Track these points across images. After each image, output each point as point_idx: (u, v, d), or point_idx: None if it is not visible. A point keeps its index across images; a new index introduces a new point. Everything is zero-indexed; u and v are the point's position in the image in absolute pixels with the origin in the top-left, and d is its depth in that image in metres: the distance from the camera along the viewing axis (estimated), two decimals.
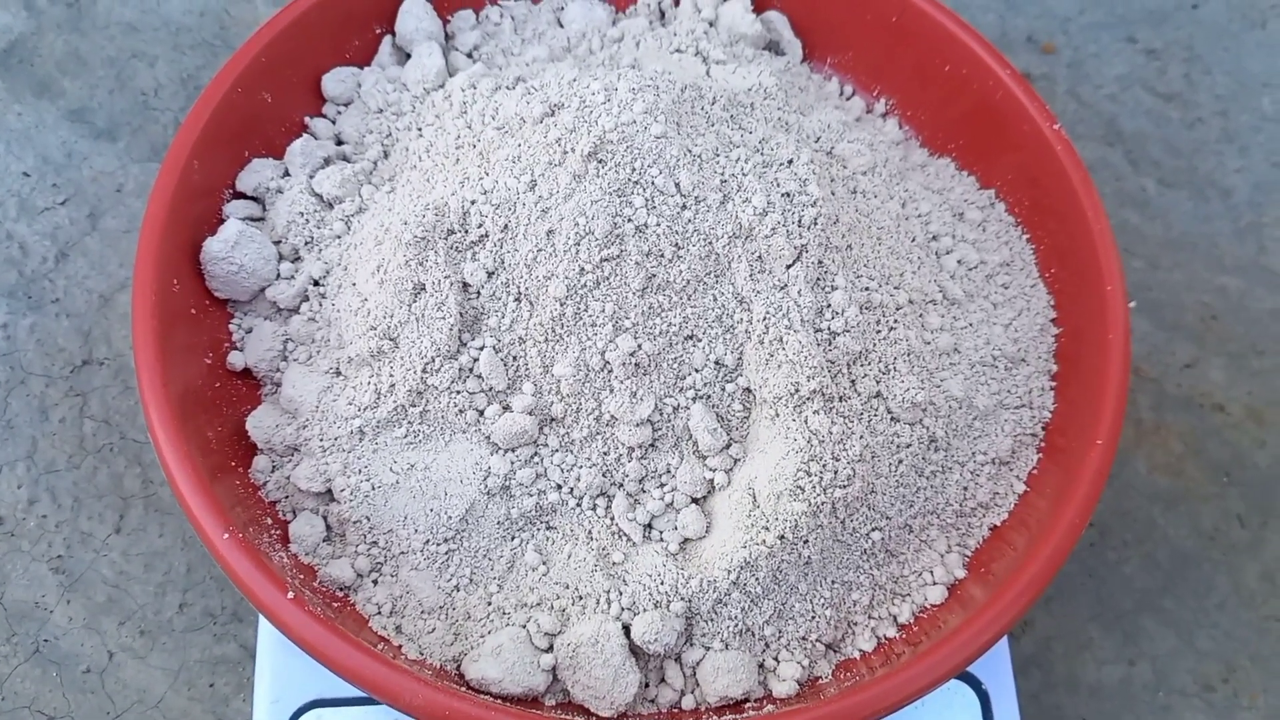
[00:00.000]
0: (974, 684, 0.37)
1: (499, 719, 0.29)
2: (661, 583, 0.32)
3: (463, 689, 0.31)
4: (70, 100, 0.48)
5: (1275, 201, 0.52)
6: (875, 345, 0.34)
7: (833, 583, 0.34)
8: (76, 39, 0.49)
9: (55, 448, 0.42)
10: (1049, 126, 0.39)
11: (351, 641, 0.30)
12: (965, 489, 0.36)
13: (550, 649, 0.32)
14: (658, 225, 0.32)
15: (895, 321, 0.35)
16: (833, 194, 0.35)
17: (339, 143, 0.39)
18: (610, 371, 0.33)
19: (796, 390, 0.33)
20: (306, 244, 0.37)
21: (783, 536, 0.32)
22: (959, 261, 0.38)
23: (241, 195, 0.38)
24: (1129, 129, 0.53)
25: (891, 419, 0.34)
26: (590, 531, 0.34)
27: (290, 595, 0.30)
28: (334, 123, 0.39)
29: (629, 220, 0.32)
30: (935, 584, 0.35)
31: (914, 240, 0.38)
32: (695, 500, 0.34)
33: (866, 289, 0.35)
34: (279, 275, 0.37)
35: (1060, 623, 0.42)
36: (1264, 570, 0.44)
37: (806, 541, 0.32)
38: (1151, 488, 0.45)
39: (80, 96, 0.49)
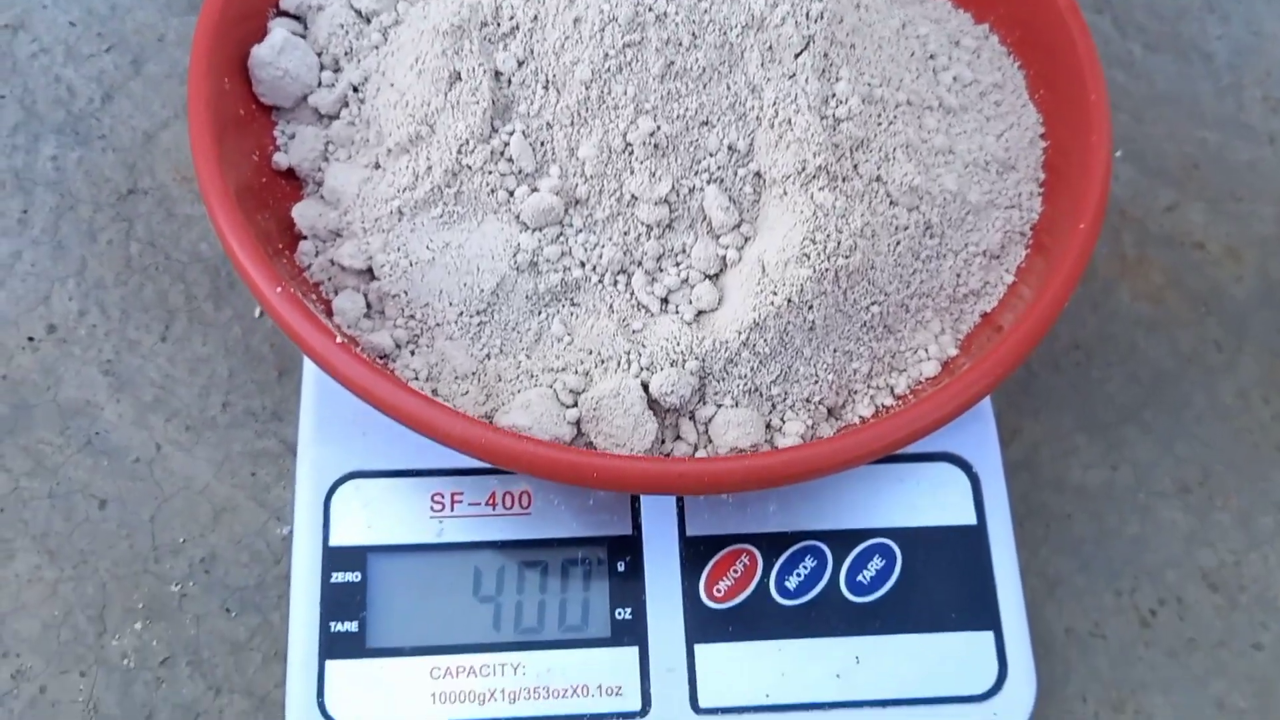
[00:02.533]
0: (965, 467, 0.40)
1: (526, 446, 0.32)
2: (678, 344, 0.35)
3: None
4: None
5: (1253, 65, 0.54)
6: (876, 135, 0.37)
7: (834, 351, 0.36)
8: None
9: (103, 266, 0.45)
10: None
11: (394, 380, 0.33)
12: (958, 276, 0.38)
13: (575, 404, 0.35)
14: (676, 14, 0.35)
15: (894, 117, 0.38)
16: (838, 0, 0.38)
17: None
18: (631, 153, 0.36)
19: (803, 168, 0.35)
20: (346, 54, 0.39)
21: (789, 299, 0.35)
22: (954, 78, 0.41)
23: (285, 14, 0.40)
24: None
25: (890, 202, 0.37)
26: (611, 305, 0.36)
27: (338, 340, 0.33)
28: None
29: (649, 9, 0.35)
30: (929, 359, 0.38)
31: (913, 55, 0.40)
32: (709, 276, 0.37)
33: (869, 84, 0.37)
34: (320, 83, 0.39)
35: (1048, 430, 0.45)
36: (1239, 389, 0.47)
37: (811, 306, 0.35)
38: (1134, 314, 0.48)
39: None
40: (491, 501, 0.38)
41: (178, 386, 0.43)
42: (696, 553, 0.38)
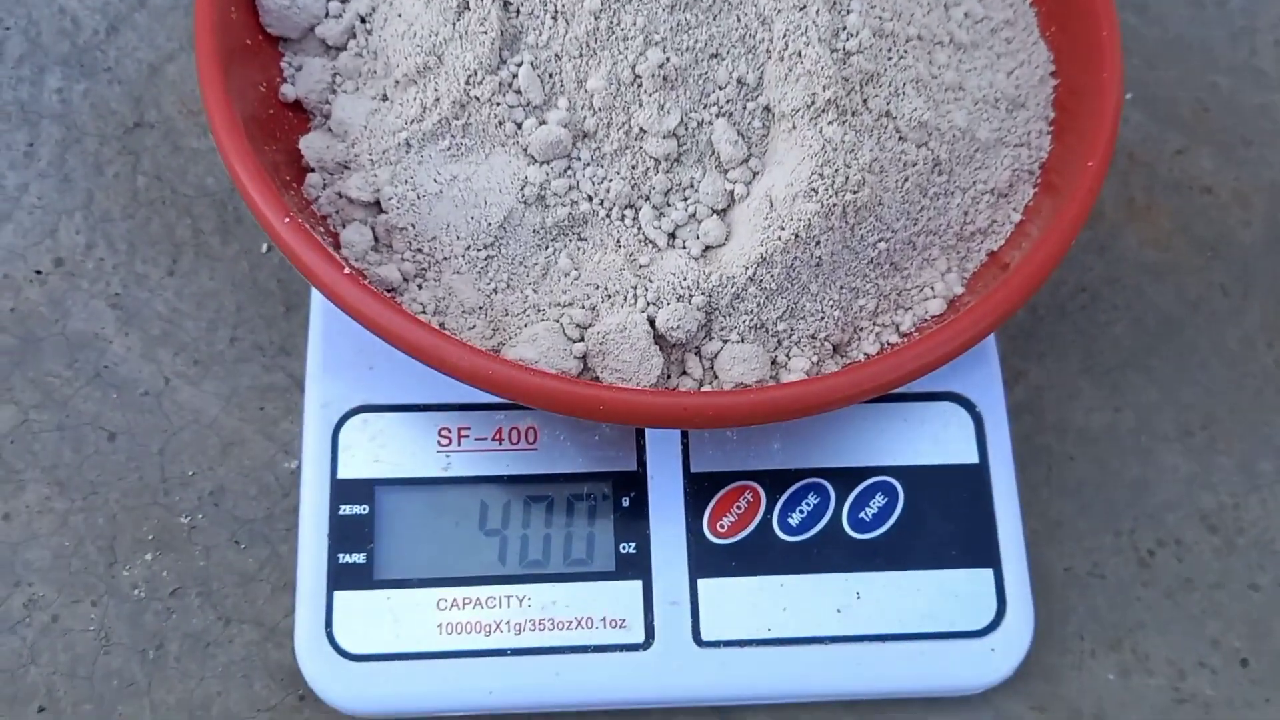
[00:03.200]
0: (969, 407, 0.40)
1: (533, 378, 0.32)
2: (684, 279, 0.35)
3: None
4: None
5: (1267, 10, 0.54)
6: (886, 70, 0.37)
7: (841, 287, 0.36)
8: None
9: (110, 200, 0.45)
10: None
11: (403, 312, 0.33)
12: (965, 214, 0.38)
13: (582, 339, 0.35)
14: None
15: (905, 52, 0.37)
16: None
17: None
18: (640, 85, 0.35)
19: (813, 101, 0.35)
20: None
21: (797, 234, 0.35)
22: (966, 14, 0.40)
23: None
24: None
25: (899, 137, 0.37)
26: (619, 239, 0.36)
27: (346, 271, 0.33)
28: None
29: None
30: (935, 298, 0.38)
31: None
32: (717, 212, 0.37)
33: (880, 18, 0.37)
34: (327, 14, 0.39)
35: (1051, 375, 0.45)
36: (1244, 335, 0.47)
37: (818, 242, 0.35)
38: (1141, 259, 0.48)
39: None
40: (498, 436, 0.39)
41: (185, 320, 0.43)
42: (701, 489, 0.39)
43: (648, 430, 0.39)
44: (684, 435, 0.39)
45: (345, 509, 0.37)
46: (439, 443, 0.38)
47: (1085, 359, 0.46)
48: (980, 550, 0.39)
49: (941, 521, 0.39)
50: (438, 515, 0.38)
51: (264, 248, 0.44)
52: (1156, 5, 0.54)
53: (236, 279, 0.44)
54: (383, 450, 0.38)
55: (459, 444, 0.38)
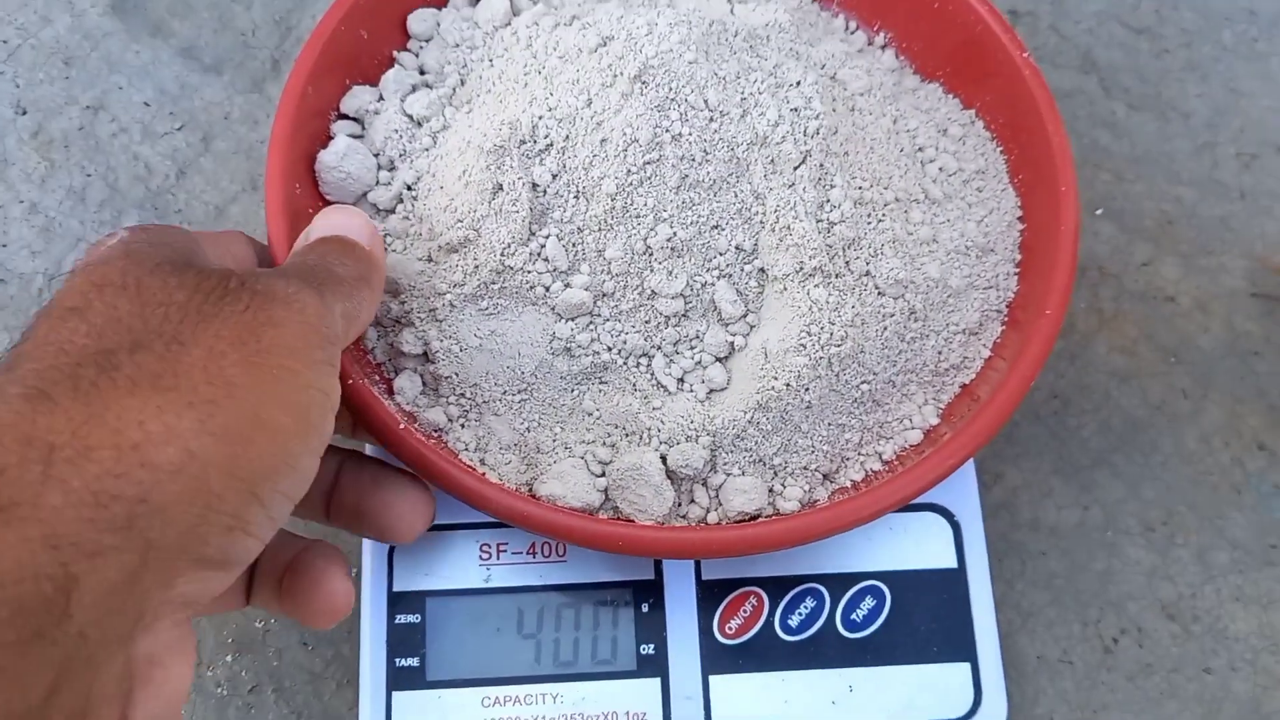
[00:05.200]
0: (947, 515, 0.45)
1: (559, 518, 0.38)
2: (692, 421, 0.41)
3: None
4: (180, 40, 0.56)
5: (1229, 123, 0.59)
6: (866, 234, 0.42)
7: (829, 424, 0.42)
8: None
9: None
10: (1020, 56, 0.46)
11: (451, 460, 0.38)
12: (940, 353, 0.44)
13: (604, 474, 0.41)
14: (690, 134, 0.40)
15: (883, 215, 0.43)
16: (834, 110, 0.43)
17: (422, 72, 0.47)
18: (651, 254, 0.41)
19: (801, 268, 0.41)
20: (400, 156, 0.45)
21: (789, 384, 0.40)
22: (940, 169, 0.46)
23: (345, 116, 0.46)
24: (1103, 59, 0.60)
25: (878, 293, 0.42)
26: (635, 384, 0.42)
27: (402, 425, 0.38)
28: (417, 56, 0.47)
29: (667, 130, 0.40)
30: (914, 429, 0.43)
31: (902, 150, 0.45)
32: (719, 359, 0.42)
33: (860, 188, 0.42)
34: (378, 182, 0.45)
35: (1026, 475, 0.50)
36: (1202, 434, 0.51)
37: (808, 389, 0.41)
38: (1109, 366, 0.53)
39: (189, 36, 0.57)
40: (531, 551, 0.44)
41: None
42: (711, 594, 0.43)
43: None
44: None
45: (400, 618, 0.43)
46: (480, 557, 0.43)
47: (1057, 460, 0.50)
48: (959, 646, 0.43)
49: (924, 620, 0.43)
50: (481, 622, 0.43)
51: None
52: (1125, 121, 0.59)
53: None
54: (432, 565, 0.43)
55: (498, 558, 0.44)
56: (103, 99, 0.55)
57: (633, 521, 0.40)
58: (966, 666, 0.43)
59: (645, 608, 0.43)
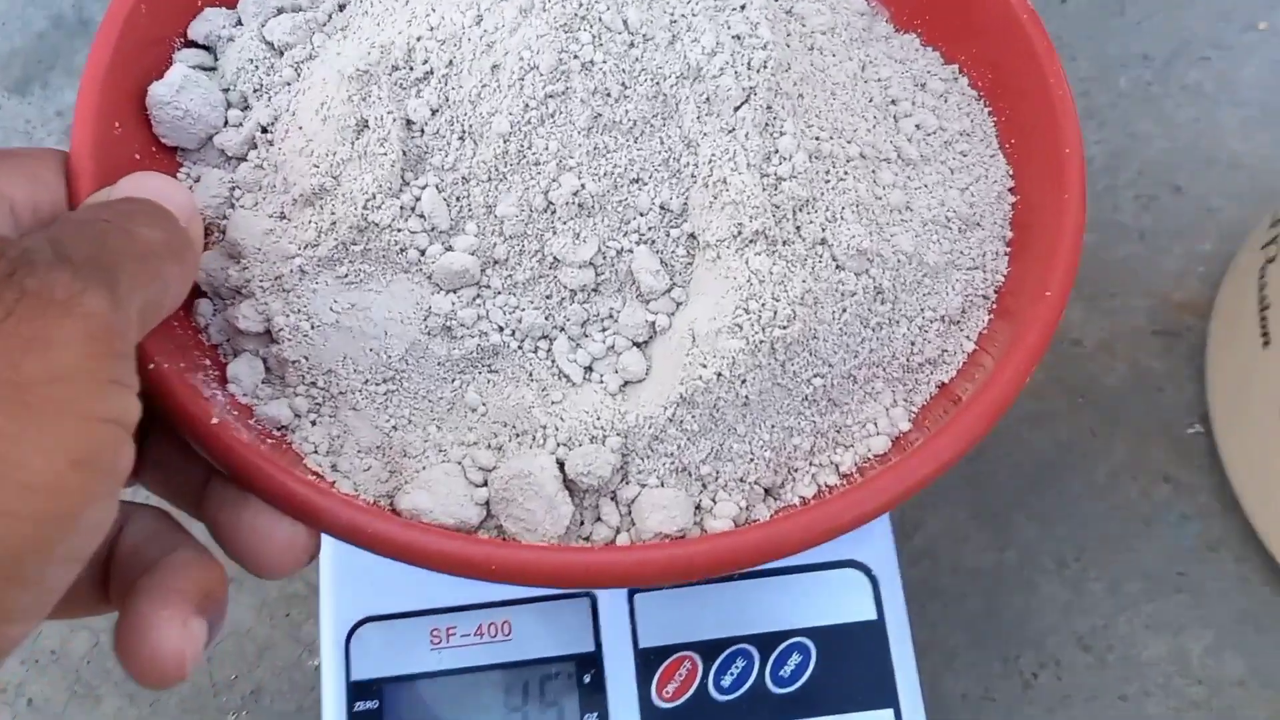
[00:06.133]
0: (865, 570, 0.44)
1: (416, 538, 0.29)
2: (598, 418, 0.32)
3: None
4: None
5: (1127, 166, 0.59)
6: (823, 194, 0.34)
7: (773, 427, 0.33)
8: None
9: None
10: (1019, 2, 0.39)
11: (275, 463, 0.30)
12: (912, 344, 0.35)
13: (485, 484, 0.32)
14: (604, 62, 0.32)
15: (845, 173, 0.35)
16: (787, 45, 0.35)
17: None
18: (554, 212, 0.33)
19: (739, 231, 0.33)
20: (255, 91, 0.37)
21: (719, 373, 0.32)
22: (917, 126, 0.38)
23: (194, 44, 0.37)
24: None
25: (836, 266, 0.34)
26: (531, 373, 0.34)
27: (215, 420, 0.30)
28: None
29: (575, 56, 0.32)
30: (879, 434, 0.35)
31: (871, 100, 0.37)
32: (637, 344, 0.34)
33: (816, 138, 0.34)
34: (227, 122, 0.37)
35: (945, 523, 0.52)
36: (1111, 470, 0.52)
37: (744, 380, 0.32)
38: (1019, 410, 0.53)
39: None
40: (479, 632, 0.43)
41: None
42: (648, 661, 0.43)
43: (600, 610, 0.43)
44: (631, 614, 0.43)
45: (359, 705, 0.42)
46: (431, 642, 0.43)
47: (974, 505, 0.52)
48: (881, 693, 0.43)
49: (849, 671, 0.43)
50: (435, 704, 0.43)
51: None
52: None
53: None
54: (387, 652, 0.43)
55: (448, 641, 0.43)
56: None
57: (513, 542, 0.31)
58: (889, 713, 0.43)
59: (587, 679, 0.43)
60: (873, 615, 0.43)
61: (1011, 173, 0.39)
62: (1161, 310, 0.55)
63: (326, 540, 0.39)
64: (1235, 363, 0.50)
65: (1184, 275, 0.56)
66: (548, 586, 0.30)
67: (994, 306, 0.37)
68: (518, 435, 0.33)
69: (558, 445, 0.32)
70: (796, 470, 0.34)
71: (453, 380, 0.34)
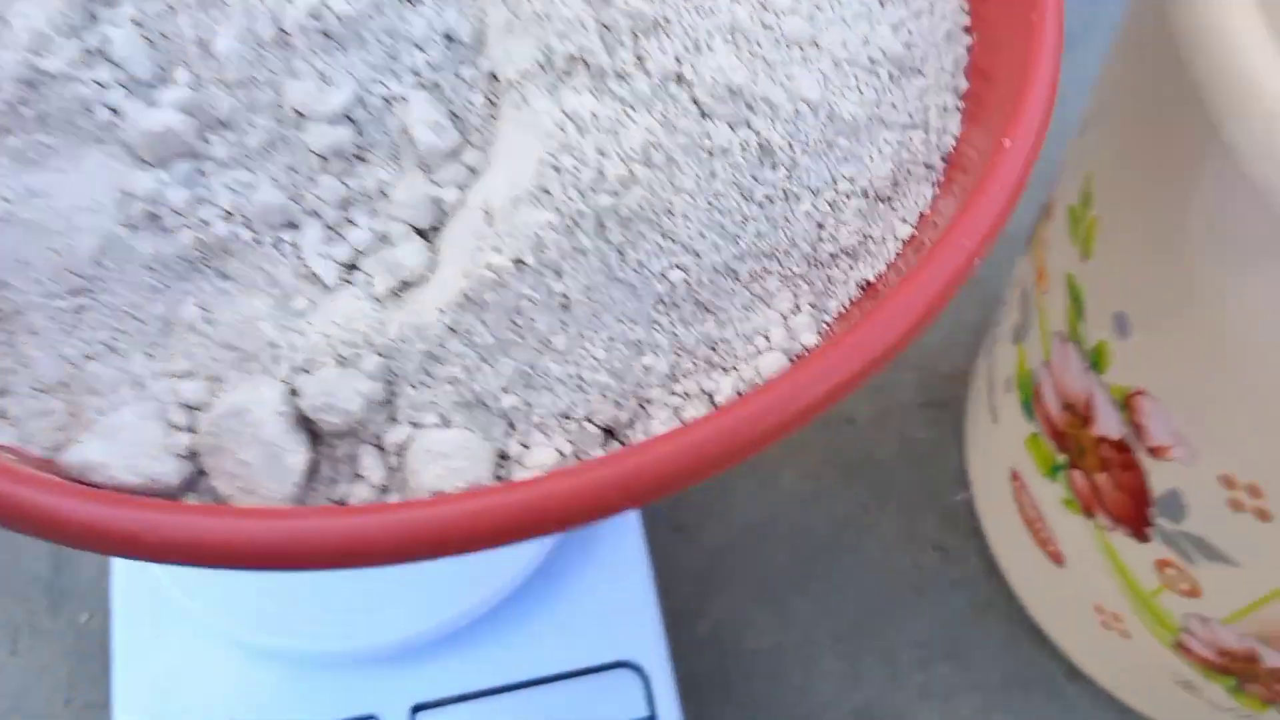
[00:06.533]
0: (637, 669, 0.42)
1: (64, 505, 0.20)
2: (350, 331, 0.23)
3: (46, 476, 0.21)
4: None
5: None
6: (681, 15, 0.24)
7: (610, 339, 0.23)
8: None
9: None
10: None
11: None
12: (820, 226, 0.25)
13: (191, 428, 0.23)
14: None
15: None
16: None
17: None
18: (291, 46, 0.23)
19: (549, 58, 0.23)
20: None
21: (520, 260, 0.22)
22: None
23: None
24: None
25: (701, 113, 0.24)
26: (273, 275, 0.24)
27: None
28: None
29: None
30: (772, 349, 0.24)
31: None
32: (419, 231, 0.24)
33: None
34: None
35: (726, 608, 0.51)
36: (884, 543, 0.52)
37: (560, 272, 0.22)
38: (796, 491, 0.53)
39: None
40: None
41: (30, 693, 0.46)
42: None
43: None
44: None
45: None
46: None
47: (755, 589, 0.51)
48: None
49: None
50: None
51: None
52: None
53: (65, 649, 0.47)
54: None
55: None
56: None
57: (216, 506, 0.22)
58: None
59: None
60: (645, 712, 0.42)
61: (967, 8, 0.28)
62: (929, 382, 0.56)
63: (121, 639, 0.39)
64: (978, 432, 0.51)
65: (950, 347, 0.56)
66: (253, 569, 0.20)
67: (940, 179, 0.26)
68: (246, 361, 0.23)
69: (292, 370, 0.23)
70: (650, 402, 0.24)
71: (167, 289, 0.24)
